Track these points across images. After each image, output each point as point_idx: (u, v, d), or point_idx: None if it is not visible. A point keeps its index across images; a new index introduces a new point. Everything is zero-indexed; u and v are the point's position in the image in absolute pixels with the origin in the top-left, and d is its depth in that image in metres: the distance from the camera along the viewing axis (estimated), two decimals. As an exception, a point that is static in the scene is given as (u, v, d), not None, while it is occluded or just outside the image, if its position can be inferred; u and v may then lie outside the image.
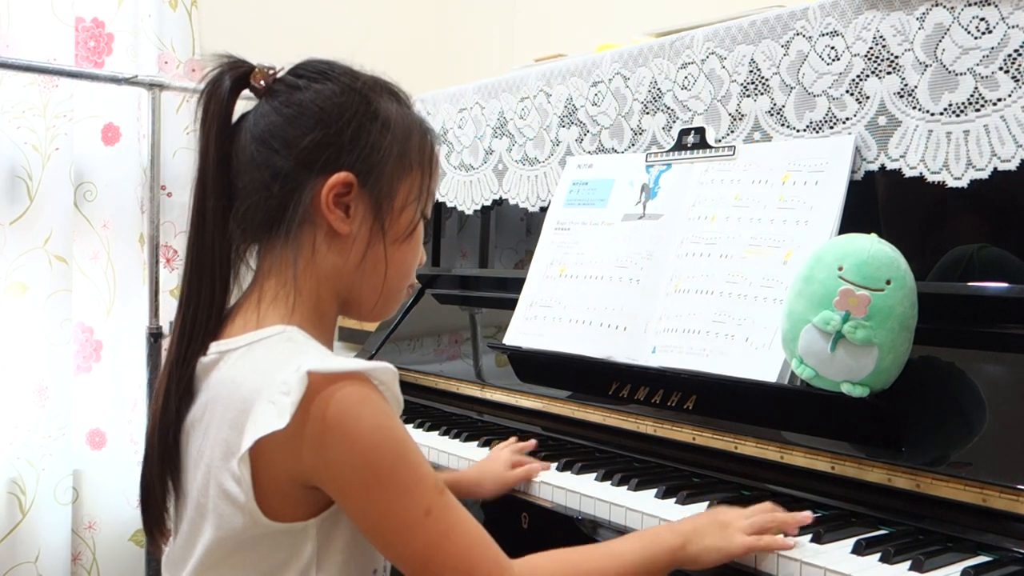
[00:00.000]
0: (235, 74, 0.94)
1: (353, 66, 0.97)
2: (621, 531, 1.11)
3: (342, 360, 0.86)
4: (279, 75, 0.95)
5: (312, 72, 0.94)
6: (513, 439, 1.39)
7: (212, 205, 0.93)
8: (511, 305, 1.60)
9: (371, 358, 1.89)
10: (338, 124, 0.92)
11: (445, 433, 1.55)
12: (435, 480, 0.87)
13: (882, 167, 1.24)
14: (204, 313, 0.93)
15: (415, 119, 0.99)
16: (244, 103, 0.97)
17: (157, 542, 0.96)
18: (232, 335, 0.92)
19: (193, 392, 0.92)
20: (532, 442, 1.37)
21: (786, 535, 0.99)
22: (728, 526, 0.98)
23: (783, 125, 1.36)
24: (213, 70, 0.94)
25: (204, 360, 0.91)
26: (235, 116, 0.96)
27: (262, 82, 0.94)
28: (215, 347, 0.92)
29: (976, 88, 1.13)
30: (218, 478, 0.87)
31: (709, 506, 1.10)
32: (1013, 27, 1.10)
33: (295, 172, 0.91)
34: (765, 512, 1.01)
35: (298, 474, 0.85)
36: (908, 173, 1.20)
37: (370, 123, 0.93)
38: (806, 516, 1.01)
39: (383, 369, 0.88)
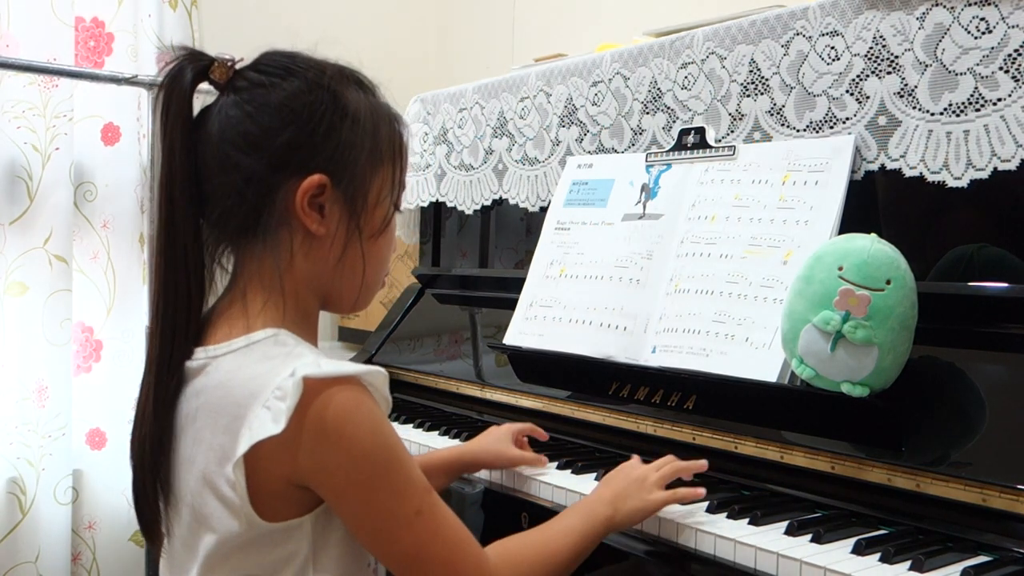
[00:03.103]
0: (195, 67, 0.92)
1: (316, 56, 0.95)
2: (620, 531, 1.11)
3: (335, 364, 0.86)
4: (238, 67, 0.93)
5: (276, 67, 0.92)
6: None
7: (181, 209, 0.91)
8: (511, 305, 1.60)
9: (371, 358, 1.88)
10: (309, 124, 0.90)
11: (445, 433, 1.55)
12: (423, 482, 0.89)
13: (882, 167, 1.24)
14: (182, 318, 0.91)
15: (383, 108, 0.97)
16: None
17: (154, 544, 0.96)
18: (218, 340, 0.91)
19: (179, 397, 0.91)
20: (543, 434, 1.36)
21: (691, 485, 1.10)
22: (644, 481, 1.07)
23: (783, 125, 1.36)
24: (172, 63, 0.92)
25: (191, 365, 0.90)
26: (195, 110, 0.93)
27: (223, 75, 0.92)
28: (201, 352, 0.91)
29: (976, 88, 1.13)
30: (213, 483, 0.87)
31: (709, 507, 1.10)
32: (1013, 27, 1.10)
33: (267, 175, 0.90)
34: (670, 463, 1.11)
35: (292, 476, 0.85)
36: (908, 173, 1.20)
37: (340, 120, 0.92)
38: (702, 464, 1.12)
39: (374, 372, 0.88)
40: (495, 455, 1.28)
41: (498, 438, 1.30)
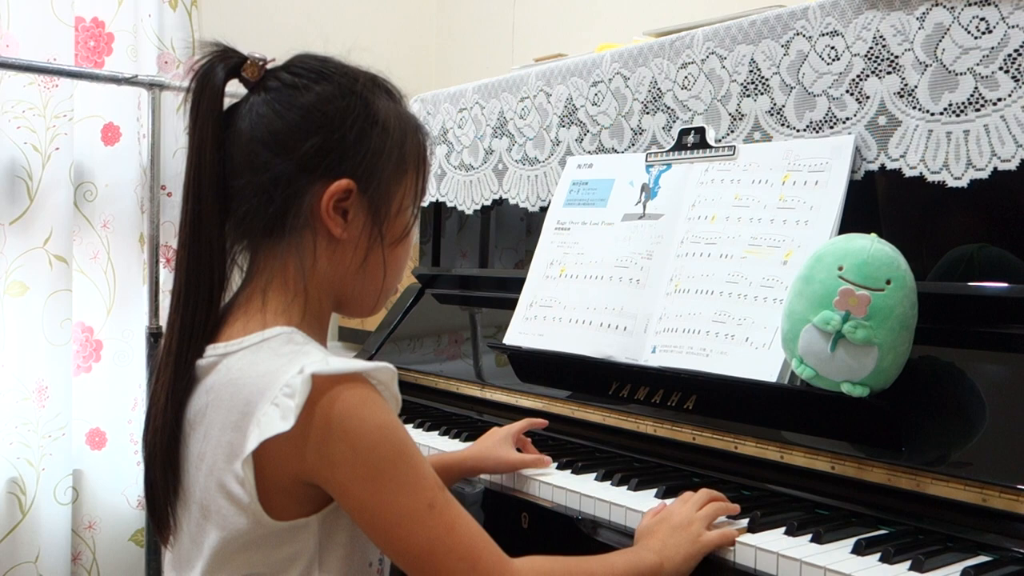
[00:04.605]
0: (227, 64, 0.92)
1: (347, 62, 0.96)
2: (621, 531, 1.11)
3: (343, 361, 0.86)
4: (270, 67, 0.94)
5: (308, 71, 0.93)
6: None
7: (209, 204, 0.92)
8: (511, 305, 1.60)
9: (371, 358, 1.88)
10: (340, 130, 0.91)
11: (445, 433, 1.55)
12: (435, 477, 0.88)
13: (882, 167, 1.24)
14: (203, 314, 0.92)
15: (409, 118, 0.98)
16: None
17: (165, 541, 0.96)
18: (232, 337, 0.91)
19: (190, 393, 0.92)
20: (543, 421, 1.36)
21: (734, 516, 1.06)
22: (690, 526, 1.02)
23: (783, 125, 1.36)
24: (203, 60, 0.92)
25: (202, 363, 0.91)
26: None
27: (254, 74, 0.93)
28: (211, 350, 0.91)
29: (976, 88, 1.13)
30: (221, 480, 0.87)
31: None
32: (1013, 27, 1.10)
33: (296, 177, 0.91)
34: (712, 503, 1.05)
35: (300, 473, 0.86)
36: (908, 173, 1.20)
37: (371, 127, 0.93)
38: (735, 508, 1.07)
39: (383, 369, 0.89)
40: (495, 461, 1.27)
41: (497, 443, 1.29)
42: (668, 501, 1.13)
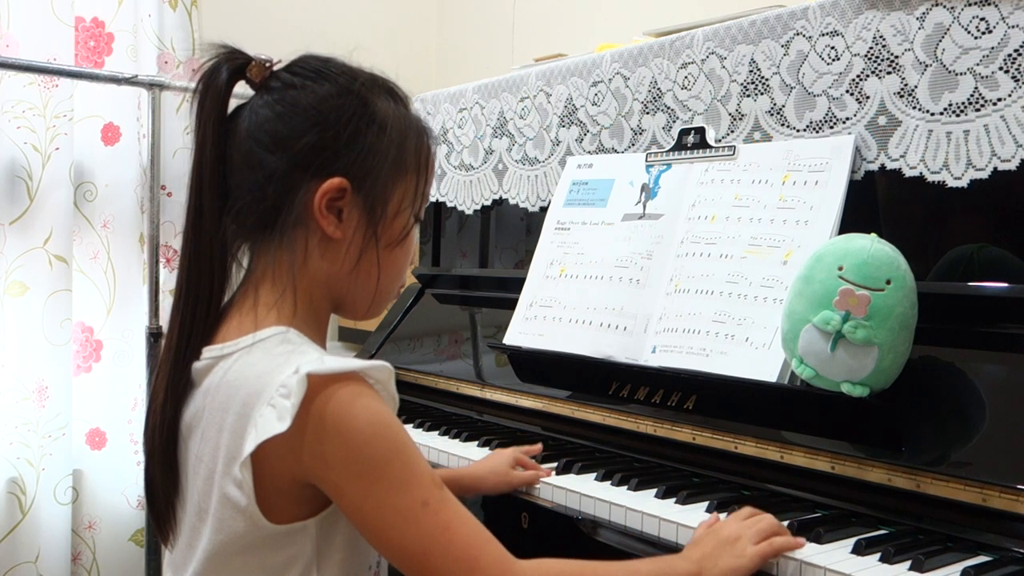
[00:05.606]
0: (232, 65, 0.93)
1: (350, 63, 0.96)
2: (621, 531, 1.11)
3: (339, 360, 0.86)
4: (275, 69, 0.94)
5: (309, 70, 0.93)
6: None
7: (209, 202, 0.92)
8: (511, 305, 1.60)
9: (371, 358, 1.88)
10: (335, 127, 0.91)
11: (445, 433, 1.55)
12: (432, 476, 0.87)
13: (882, 167, 1.24)
14: (203, 312, 0.92)
15: (412, 120, 0.97)
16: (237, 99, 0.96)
17: (166, 541, 0.96)
18: (227, 338, 0.91)
19: (188, 395, 0.92)
20: (538, 446, 1.36)
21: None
22: (737, 540, 0.96)
23: (783, 125, 1.36)
24: (210, 61, 0.93)
25: (198, 365, 0.91)
26: (230, 108, 0.94)
27: (259, 75, 0.93)
28: (208, 352, 0.91)
29: (976, 88, 1.13)
30: (219, 483, 0.87)
31: (709, 507, 1.10)
32: (1013, 27, 1.10)
33: (289, 174, 0.90)
34: (766, 518, 0.99)
35: (298, 473, 0.85)
36: (908, 173, 1.20)
37: (367, 126, 0.92)
38: (800, 543, 0.99)
39: (379, 367, 0.88)
40: (496, 480, 1.27)
41: (500, 462, 1.29)
42: (667, 501, 1.13)
